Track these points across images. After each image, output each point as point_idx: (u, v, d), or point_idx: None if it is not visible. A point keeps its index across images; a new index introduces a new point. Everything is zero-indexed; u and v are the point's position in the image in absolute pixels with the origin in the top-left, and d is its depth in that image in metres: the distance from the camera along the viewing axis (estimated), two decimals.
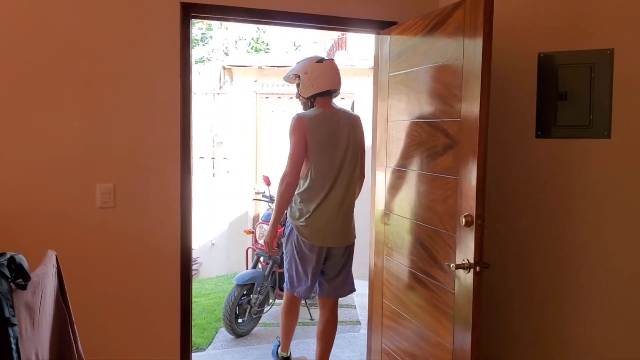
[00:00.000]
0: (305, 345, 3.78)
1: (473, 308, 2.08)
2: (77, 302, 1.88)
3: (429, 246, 2.41)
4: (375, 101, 2.99)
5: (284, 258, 3.06)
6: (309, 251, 2.92)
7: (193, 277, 6.36)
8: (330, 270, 3.00)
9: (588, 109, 2.50)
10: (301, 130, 2.86)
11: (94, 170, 2.51)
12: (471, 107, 2.10)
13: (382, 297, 2.88)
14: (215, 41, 21.28)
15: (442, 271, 2.29)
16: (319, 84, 2.93)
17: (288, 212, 3.03)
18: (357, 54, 13.11)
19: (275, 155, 6.28)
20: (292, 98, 6.22)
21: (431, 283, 2.38)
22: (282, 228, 4.05)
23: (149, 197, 2.60)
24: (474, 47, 2.08)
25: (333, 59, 3.07)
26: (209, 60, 16.21)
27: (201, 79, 15.21)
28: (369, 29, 2.93)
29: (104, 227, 2.54)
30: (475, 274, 2.06)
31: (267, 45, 27.26)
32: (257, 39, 28.15)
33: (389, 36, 2.81)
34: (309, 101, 3.01)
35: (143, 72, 2.56)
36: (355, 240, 3.06)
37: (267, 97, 6.41)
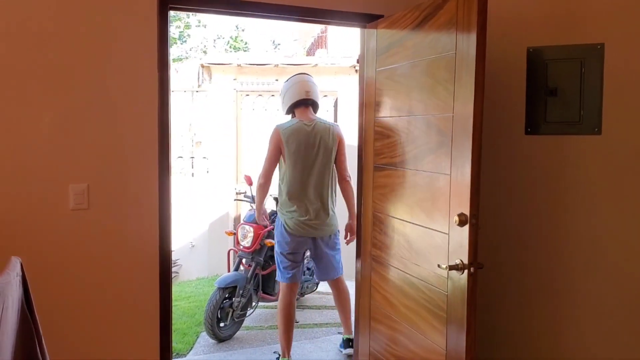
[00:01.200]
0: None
1: (468, 310, 2.00)
2: (49, 311, 1.83)
3: (420, 246, 2.33)
4: (362, 98, 2.90)
5: (276, 250, 3.39)
6: (290, 239, 3.34)
7: (172, 279, 6.22)
8: (316, 257, 3.43)
9: (578, 105, 2.45)
10: (276, 140, 3.28)
11: (66, 170, 2.37)
12: (464, 102, 2.02)
13: (369, 299, 2.80)
14: (194, 40, 21.04)
15: (433, 272, 2.21)
16: (287, 98, 3.37)
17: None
18: (338, 52, 13.03)
19: (257, 154, 6.16)
20: (273, 96, 6.11)
21: (422, 284, 2.30)
22: (270, 226, 3.95)
23: (125, 198, 2.48)
24: (468, 39, 2.00)
25: (304, 74, 3.49)
26: (187, 58, 15.98)
27: (179, 77, 14.97)
28: (354, 22, 2.84)
29: (77, 230, 2.40)
30: (470, 274, 1.99)
31: (246, 44, 27.09)
32: (236, 37, 27.98)
33: (375, 30, 2.72)
34: (291, 115, 3.41)
35: (118, 65, 2.42)
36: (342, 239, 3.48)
37: (247, 95, 6.27)
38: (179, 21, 30.04)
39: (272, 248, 3.96)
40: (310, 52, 18.84)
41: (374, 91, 2.74)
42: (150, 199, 2.52)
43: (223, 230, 6.01)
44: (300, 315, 4.33)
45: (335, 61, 11.09)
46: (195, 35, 21.35)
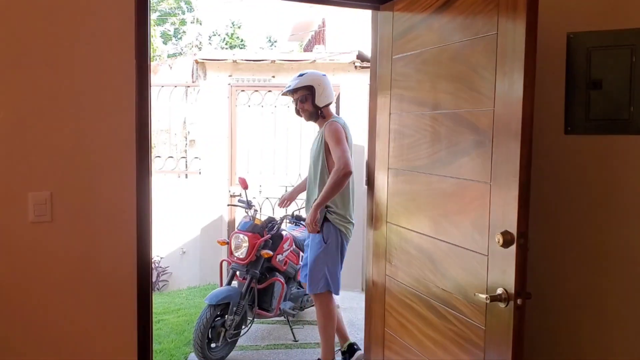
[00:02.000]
0: None
1: (513, 349, 1.62)
2: (6, 339, 1.63)
3: (448, 268, 1.94)
4: (373, 91, 2.51)
5: (322, 259, 3.11)
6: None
7: (161, 289, 5.81)
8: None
9: (627, 100, 2.08)
10: (344, 134, 3.17)
11: (25, 176, 1.98)
12: (509, 93, 1.64)
13: (383, 324, 2.41)
14: (189, 37, 20.67)
15: (466, 300, 1.83)
16: (329, 94, 3.29)
17: (330, 214, 3.12)
18: (336, 48, 12.66)
19: (253, 154, 5.76)
20: (270, 91, 5.70)
21: (451, 314, 1.91)
22: (267, 235, 3.56)
23: (96, 208, 2.09)
24: (514, 15, 1.62)
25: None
26: (182, 55, 15.57)
27: (172, 74, 14.55)
28: (366, 2, 2.46)
29: (38, 246, 2.01)
30: (516, 307, 1.61)
31: (242, 41, 26.75)
32: (232, 34, 27.62)
33: (391, 12, 2.34)
34: (319, 110, 3.25)
35: (87, 51, 2.03)
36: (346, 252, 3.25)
37: (242, 91, 5.85)
38: (174, 17, 29.72)
39: (269, 259, 3.57)
40: (307, 48, 18.51)
41: (389, 83, 2.35)
42: (126, 209, 2.13)
43: (216, 237, 5.62)
44: (299, 333, 3.94)
45: (334, 57, 10.69)
46: (190, 32, 20.98)
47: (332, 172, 3.05)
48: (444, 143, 1.99)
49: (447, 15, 1.97)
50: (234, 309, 3.37)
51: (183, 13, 28.68)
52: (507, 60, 1.65)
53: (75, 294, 2.08)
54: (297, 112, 3.32)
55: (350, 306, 4.57)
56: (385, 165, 2.40)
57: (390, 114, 2.35)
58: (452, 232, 1.93)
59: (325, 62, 6.83)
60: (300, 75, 3.26)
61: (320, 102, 3.23)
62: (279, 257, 3.63)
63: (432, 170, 2.05)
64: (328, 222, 3.11)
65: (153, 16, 25.36)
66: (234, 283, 3.64)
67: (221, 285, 3.67)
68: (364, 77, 5.74)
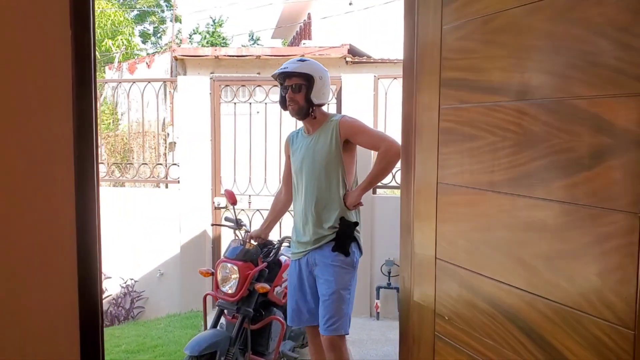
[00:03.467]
0: None
1: None
2: None
3: (555, 344, 1.26)
4: (409, 74, 1.83)
5: (349, 290, 2.63)
6: None
7: (137, 317, 5.05)
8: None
9: None
10: None
11: None
12: None
13: None
14: (169, 35, 19.89)
15: None
16: (327, 93, 2.84)
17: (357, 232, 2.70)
18: (323, 42, 11.99)
19: (241, 159, 5.04)
20: (259, 86, 4.97)
21: None
22: (263, 263, 2.87)
23: (21, 228, 1.45)
24: None
25: None
26: (163, 52, 14.80)
27: (151, 73, 13.77)
28: None
29: None
30: None
31: (224, 39, 26.02)
32: (213, 32, 26.86)
33: None
34: (311, 108, 2.77)
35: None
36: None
37: (227, 85, 5.11)
38: (153, 16, 28.83)
39: (265, 294, 2.87)
40: (293, 45, 17.84)
41: (437, 62, 1.66)
42: (62, 229, 1.54)
43: (198, 256, 4.90)
44: None
45: (323, 52, 9.98)
46: (170, 31, 20.24)
47: (379, 155, 2.68)
48: (539, 149, 1.31)
49: None
50: (222, 358, 2.66)
51: (162, 11, 27.90)
52: None
53: None
54: (283, 103, 2.81)
55: (359, 338, 3.88)
56: (431, 179, 1.71)
57: (439, 107, 1.67)
58: (562, 286, 1.26)
59: (314, 56, 6.20)
60: (301, 60, 2.72)
61: (316, 98, 2.74)
62: (277, 289, 2.94)
63: (518, 188, 1.37)
64: (355, 241, 2.62)
65: (131, 15, 24.56)
66: (222, 324, 2.93)
67: (205, 326, 2.95)
68: (358, 74, 5.08)
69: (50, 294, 1.55)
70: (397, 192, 4.58)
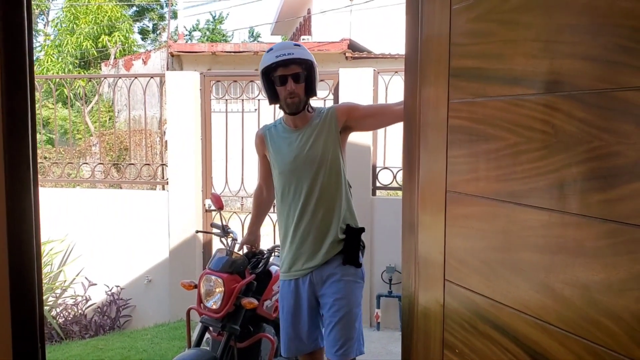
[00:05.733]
0: None
1: None
2: None
3: None
4: (412, 65, 1.58)
5: (360, 305, 2.37)
6: None
7: (123, 326, 4.79)
8: None
9: None
10: None
11: None
12: None
13: None
14: (170, 32, 19.74)
15: None
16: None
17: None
18: (323, 37, 11.75)
19: (233, 159, 4.79)
20: (252, 82, 4.72)
21: None
22: (251, 276, 2.62)
23: None
24: None
25: None
26: (158, 48, 14.60)
27: (147, 69, 13.52)
28: None
29: None
30: None
31: (223, 36, 25.80)
32: (213, 29, 26.63)
33: None
34: (308, 100, 2.43)
35: None
36: None
37: (218, 81, 4.85)
38: (153, 13, 28.64)
39: (254, 309, 2.62)
40: (293, 39, 17.62)
41: (446, 49, 1.41)
42: None
43: (188, 261, 4.65)
44: None
45: (322, 47, 9.72)
46: (169, 28, 20.11)
47: (394, 107, 2.34)
48: (575, 153, 1.06)
49: None
50: None
51: (162, 8, 27.64)
52: None
53: None
54: (275, 98, 2.40)
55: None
56: (439, 187, 1.46)
57: (448, 101, 1.41)
58: (604, 325, 1.01)
59: (313, 52, 5.95)
60: (297, 45, 2.39)
61: (316, 87, 2.41)
62: (267, 302, 2.69)
63: (547, 201, 1.12)
64: (363, 249, 2.39)
65: (130, 11, 24.32)
66: (208, 340, 2.68)
67: (189, 344, 2.70)
68: (356, 68, 4.81)
69: None
70: (399, 194, 4.33)
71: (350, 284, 2.29)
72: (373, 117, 2.46)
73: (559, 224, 1.10)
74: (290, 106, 2.35)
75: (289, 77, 2.29)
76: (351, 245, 2.30)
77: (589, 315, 1.04)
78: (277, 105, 2.45)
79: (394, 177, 4.55)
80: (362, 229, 2.37)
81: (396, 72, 4.59)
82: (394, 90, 4.56)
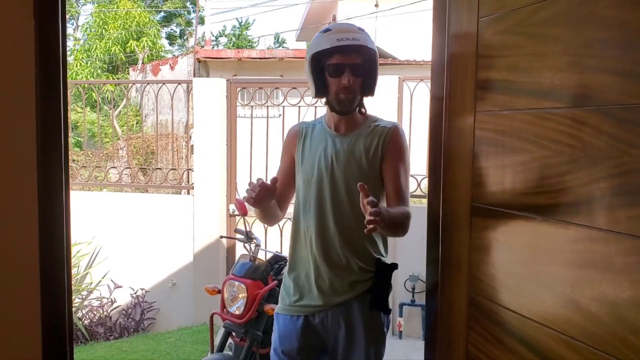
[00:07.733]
0: None
1: None
2: None
3: None
4: (439, 76, 1.58)
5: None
6: None
7: (147, 329, 4.86)
8: None
9: None
10: None
11: None
12: None
13: None
14: (197, 37, 19.99)
15: None
16: None
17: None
18: None
19: (257, 165, 4.83)
20: (277, 89, 4.76)
21: None
22: (273, 282, 2.62)
23: None
24: None
25: None
26: (186, 54, 14.80)
27: (174, 74, 13.71)
28: None
29: None
30: None
31: (249, 41, 26.02)
32: (239, 35, 26.88)
33: None
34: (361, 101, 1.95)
35: None
36: None
37: (243, 88, 4.91)
38: (180, 18, 29.06)
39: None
40: None
41: (473, 60, 1.41)
42: (24, 245, 1.34)
43: (212, 265, 4.70)
44: None
45: None
46: (197, 33, 20.36)
47: (403, 208, 1.85)
48: (603, 167, 1.05)
49: None
50: None
51: (189, 13, 28.01)
52: None
53: None
54: (323, 91, 1.88)
55: None
56: (464, 198, 1.46)
57: (475, 112, 1.41)
58: (632, 342, 1.00)
59: None
60: (360, 29, 1.87)
61: (375, 85, 1.92)
62: None
63: (574, 216, 1.12)
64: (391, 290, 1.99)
65: (157, 17, 24.71)
66: (230, 345, 2.71)
67: (212, 349, 2.73)
68: (381, 75, 4.78)
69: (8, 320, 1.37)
70: (423, 202, 4.30)
71: (379, 333, 1.94)
72: (386, 188, 1.92)
73: (587, 239, 1.09)
74: (342, 103, 1.87)
75: (346, 68, 1.82)
76: (380, 285, 1.91)
77: (616, 331, 1.03)
78: (323, 100, 1.95)
79: (418, 184, 4.53)
80: (394, 266, 1.95)
81: (422, 79, 4.57)
82: (419, 98, 4.55)
